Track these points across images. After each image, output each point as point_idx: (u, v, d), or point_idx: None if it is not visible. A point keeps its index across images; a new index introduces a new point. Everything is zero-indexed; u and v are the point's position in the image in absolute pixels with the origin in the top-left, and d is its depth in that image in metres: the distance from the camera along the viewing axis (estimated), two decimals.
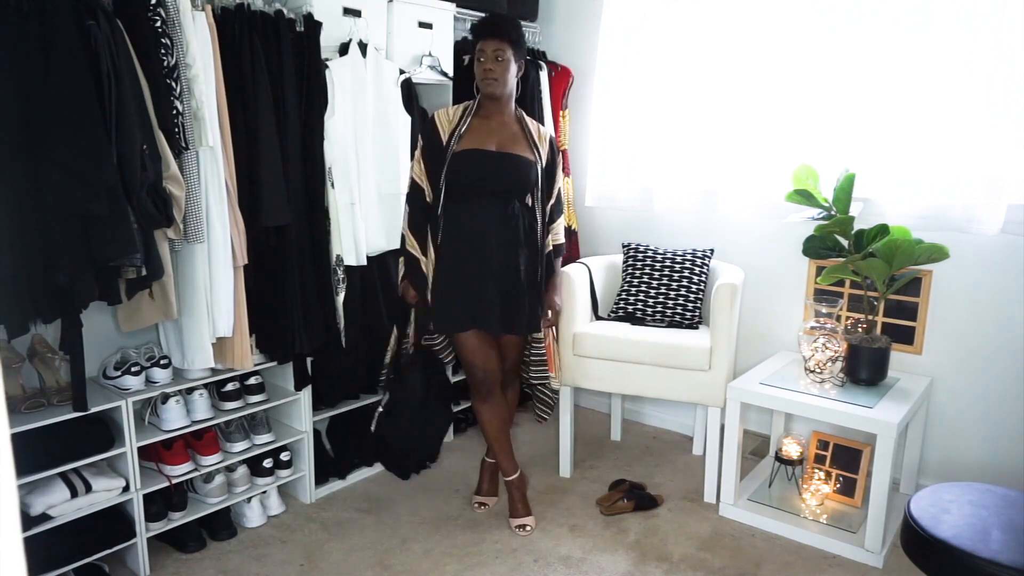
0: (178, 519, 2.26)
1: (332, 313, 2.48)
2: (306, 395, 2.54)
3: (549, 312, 2.41)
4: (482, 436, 2.58)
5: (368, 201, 2.50)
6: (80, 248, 1.78)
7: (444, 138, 2.26)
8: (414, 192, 2.33)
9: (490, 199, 2.25)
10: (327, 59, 2.38)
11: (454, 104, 2.90)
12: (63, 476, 2.03)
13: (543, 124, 3.15)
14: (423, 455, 2.75)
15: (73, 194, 1.73)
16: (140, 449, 2.13)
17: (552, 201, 2.39)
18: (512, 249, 2.27)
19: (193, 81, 2.00)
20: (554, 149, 2.39)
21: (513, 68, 2.24)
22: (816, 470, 2.59)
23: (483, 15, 2.31)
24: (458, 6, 2.89)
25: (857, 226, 2.47)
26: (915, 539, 1.68)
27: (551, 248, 2.40)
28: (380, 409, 2.48)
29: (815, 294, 2.80)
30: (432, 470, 2.87)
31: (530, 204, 2.33)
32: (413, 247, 2.34)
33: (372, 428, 2.49)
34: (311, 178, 2.38)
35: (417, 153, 2.33)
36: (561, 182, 2.45)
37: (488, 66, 2.20)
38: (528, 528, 2.45)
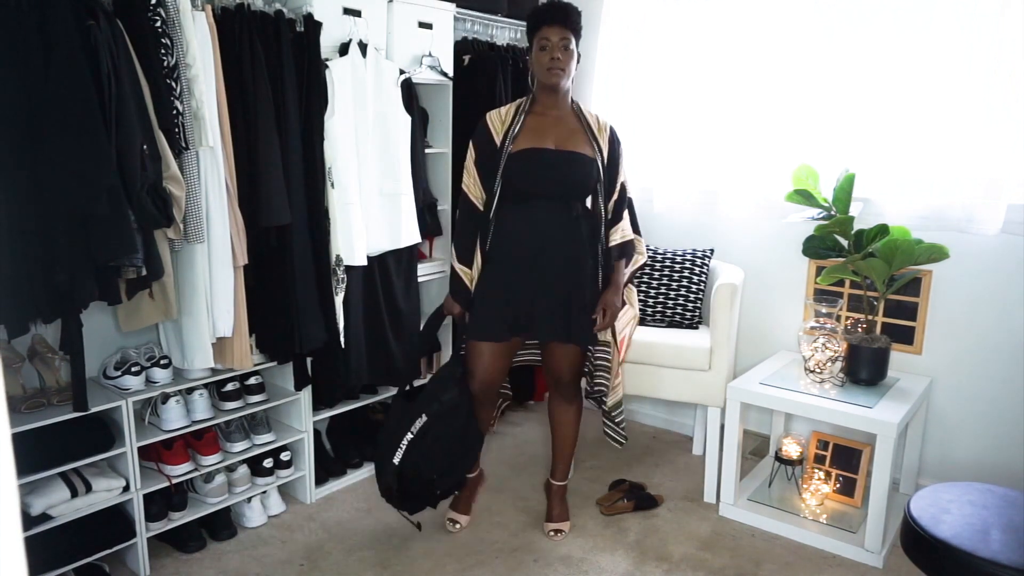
0: (178, 519, 2.26)
1: (332, 313, 2.48)
2: (306, 395, 2.55)
3: (603, 312, 2.18)
4: (484, 445, 2.47)
5: (369, 201, 2.50)
6: (80, 248, 1.78)
7: (498, 139, 2.15)
8: (464, 204, 2.24)
9: (548, 202, 2.13)
10: (327, 59, 2.38)
11: (455, 105, 2.90)
12: (63, 476, 2.03)
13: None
14: (449, 485, 2.33)
15: (73, 194, 1.73)
16: (140, 449, 2.14)
17: (615, 197, 2.23)
18: (575, 255, 2.15)
19: (193, 81, 2.00)
20: (615, 140, 2.23)
21: (576, 58, 2.12)
22: (816, 470, 2.59)
23: (542, 3, 2.15)
24: (458, 6, 2.89)
25: (857, 226, 2.47)
26: (915, 539, 1.68)
27: (612, 245, 2.24)
28: (410, 435, 2.17)
29: (815, 294, 2.80)
30: None
31: (591, 206, 2.20)
32: (458, 260, 2.26)
33: (396, 460, 2.16)
34: (311, 178, 2.38)
35: (469, 163, 2.22)
36: (624, 176, 2.27)
37: (556, 55, 2.06)
38: (458, 525, 2.42)
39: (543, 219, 2.15)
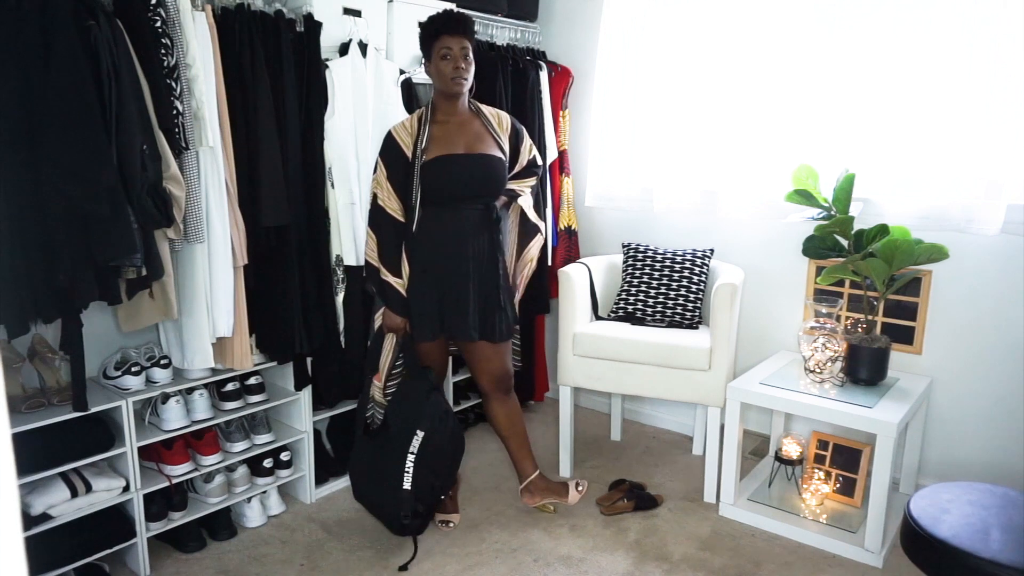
0: (178, 519, 2.26)
1: (332, 313, 2.48)
2: (306, 395, 2.55)
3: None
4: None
5: (368, 202, 2.50)
6: (80, 248, 1.78)
7: (409, 152, 2.19)
8: (383, 218, 2.21)
9: (467, 203, 2.21)
10: (327, 59, 2.38)
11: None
12: (63, 476, 2.03)
13: (543, 124, 3.15)
14: (449, 486, 2.40)
15: (73, 194, 1.73)
16: (140, 449, 2.14)
17: (524, 166, 2.36)
18: (492, 254, 2.23)
19: (193, 81, 2.00)
20: (517, 130, 2.35)
21: (473, 65, 2.22)
22: (816, 470, 2.59)
23: (442, 10, 2.23)
24: (458, 6, 2.88)
25: (857, 226, 2.47)
26: (915, 539, 1.68)
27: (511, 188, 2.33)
28: (412, 455, 2.18)
29: (815, 294, 2.80)
30: None
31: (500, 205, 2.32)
32: (387, 274, 2.23)
33: (408, 486, 2.17)
34: (311, 178, 2.38)
35: (379, 177, 2.21)
36: (531, 153, 2.39)
37: (460, 64, 2.14)
38: (451, 524, 2.45)
39: (462, 221, 2.21)
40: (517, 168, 2.37)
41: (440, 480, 2.30)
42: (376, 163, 2.26)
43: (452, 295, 2.22)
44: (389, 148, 2.22)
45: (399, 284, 2.24)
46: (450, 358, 2.54)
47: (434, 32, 2.15)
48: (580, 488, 2.51)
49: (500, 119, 2.31)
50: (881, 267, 2.37)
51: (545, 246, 2.71)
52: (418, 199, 2.20)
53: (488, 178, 2.23)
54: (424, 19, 2.21)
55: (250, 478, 2.44)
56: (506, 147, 2.29)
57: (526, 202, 2.40)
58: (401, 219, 2.22)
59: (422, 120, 2.23)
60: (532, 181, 2.41)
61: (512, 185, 2.36)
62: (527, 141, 2.38)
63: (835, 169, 2.55)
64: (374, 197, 2.25)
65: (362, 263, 2.46)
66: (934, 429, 2.65)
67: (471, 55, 2.18)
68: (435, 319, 2.25)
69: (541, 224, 2.46)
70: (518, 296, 2.44)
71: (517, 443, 2.48)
